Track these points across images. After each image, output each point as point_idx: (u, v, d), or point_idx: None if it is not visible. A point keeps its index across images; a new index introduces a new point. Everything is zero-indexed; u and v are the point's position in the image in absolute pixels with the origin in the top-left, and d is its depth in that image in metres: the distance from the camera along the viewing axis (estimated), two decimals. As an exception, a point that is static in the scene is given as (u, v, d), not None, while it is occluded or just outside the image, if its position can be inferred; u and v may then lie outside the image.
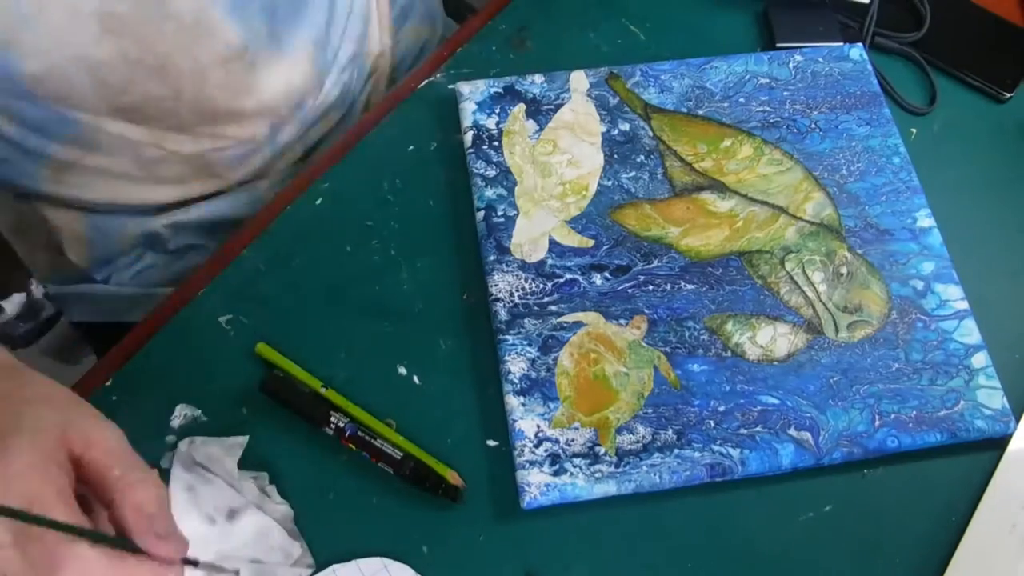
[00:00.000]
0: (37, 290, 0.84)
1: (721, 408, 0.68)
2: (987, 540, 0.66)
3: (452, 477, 0.66)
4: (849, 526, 0.67)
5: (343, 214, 0.77)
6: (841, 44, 0.86)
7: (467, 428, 0.69)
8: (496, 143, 0.78)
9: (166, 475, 0.66)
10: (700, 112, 0.81)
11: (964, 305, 0.73)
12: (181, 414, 0.69)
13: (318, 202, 0.77)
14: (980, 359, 0.71)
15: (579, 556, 0.66)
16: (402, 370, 0.71)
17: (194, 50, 0.72)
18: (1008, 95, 0.85)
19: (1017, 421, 0.70)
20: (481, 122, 0.79)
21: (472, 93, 0.81)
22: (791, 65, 0.84)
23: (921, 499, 0.68)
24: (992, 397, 0.70)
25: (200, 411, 0.69)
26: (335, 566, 0.64)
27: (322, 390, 0.69)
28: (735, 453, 0.67)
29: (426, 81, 0.84)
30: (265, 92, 0.79)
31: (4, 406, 0.51)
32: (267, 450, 0.68)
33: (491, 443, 0.69)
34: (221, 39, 0.73)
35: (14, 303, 0.83)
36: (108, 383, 0.70)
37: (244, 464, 0.67)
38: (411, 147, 0.81)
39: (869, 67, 0.84)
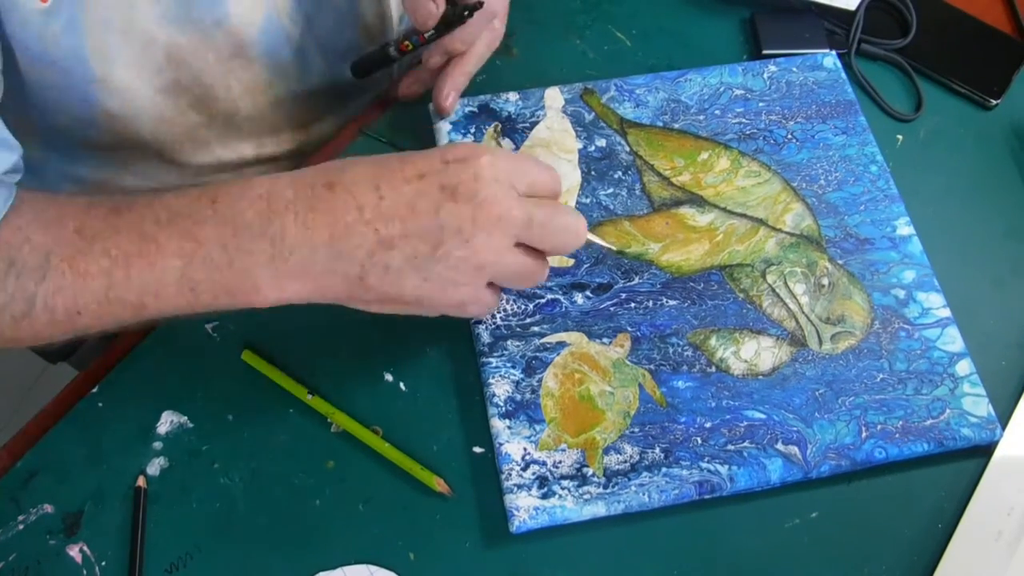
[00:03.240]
0: None
1: (708, 424, 0.68)
2: (973, 547, 0.66)
3: (438, 484, 0.66)
4: (835, 534, 0.67)
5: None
6: (815, 52, 0.86)
7: (453, 435, 0.69)
8: None
9: (152, 481, 0.67)
10: (676, 126, 0.81)
11: (946, 313, 0.73)
12: (167, 421, 0.69)
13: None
14: (964, 367, 0.71)
15: (565, 561, 0.66)
16: (388, 377, 0.71)
17: (228, 79, 0.78)
18: (995, 101, 0.86)
19: (1003, 428, 0.70)
20: (457, 141, 0.79)
21: None
22: (765, 76, 0.84)
23: (907, 506, 0.68)
24: (977, 405, 0.70)
25: (186, 418, 0.69)
26: (322, 574, 0.64)
27: (308, 397, 0.69)
28: (723, 470, 0.67)
29: (412, 88, 0.84)
30: (287, 122, 0.88)
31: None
32: (252, 455, 0.68)
33: (477, 450, 0.69)
34: (252, 71, 0.80)
35: None
36: (95, 390, 0.70)
37: (227, 467, 0.68)
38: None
39: (843, 75, 0.85)
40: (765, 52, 0.87)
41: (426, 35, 0.74)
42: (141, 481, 0.67)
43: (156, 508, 0.66)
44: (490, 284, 0.62)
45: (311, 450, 0.68)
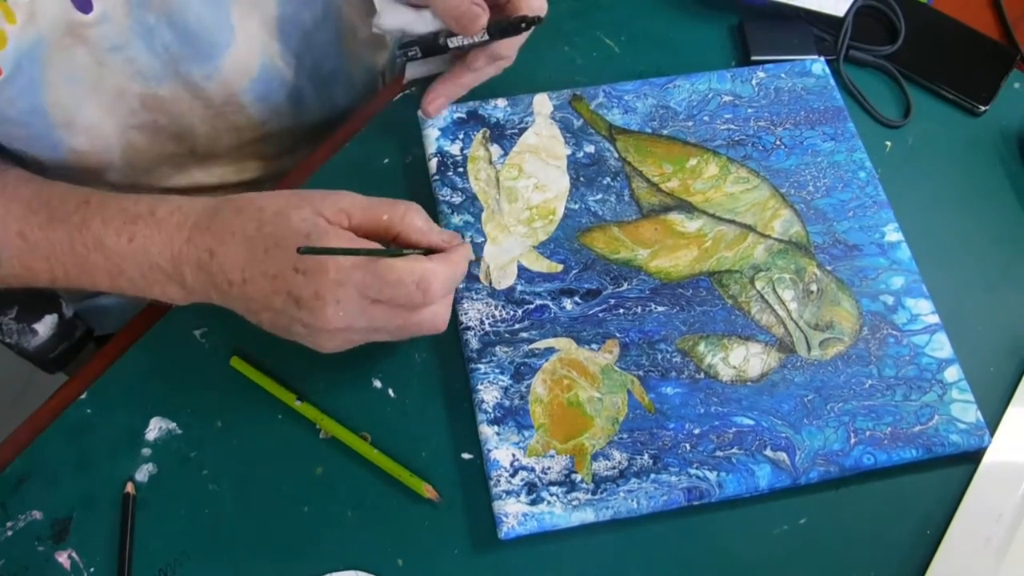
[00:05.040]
0: (68, 310, 0.83)
1: (696, 431, 0.68)
2: (962, 553, 0.67)
3: (427, 490, 0.66)
4: (824, 540, 0.67)
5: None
6: (804, 59, 0.86)
7: (442, 441, 0.69)
8: (461, 169, 0.78)
9: (140, 487, 0.66)
10: (665, 132, 0.81)
11: (935, 319, 0.73)
12: (156, 427, 0.69)
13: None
14: (953, 373, 0.71)
15: (553, 568, 0.66)
16: (377, 383, 0.71)
17: (215, 122, 0.80)
18: (983, 108, 0.86)
19: (992, 434, 0.70)
20: (445, 148, 0.79)
21: (435, 119, 0.80)
22: (754, 82, 0.84)
23: (896, 513, 0.68)
24: (966, 411, 0.70)
25: (175, 424, 0.69)
26: (310, 581, 0.64)
27: (296, 403, 0.69)
28: (712, 476, 0.66)
29: (402, 93, 0.84)
30: (271, 149, 0.90)
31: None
32: (241, 462, 0.68)
33: (466, 456, 0.69)
34: (244, 115, 0.82)
35: (47, 324, 0.82)
36: (83, 396, 0.70)
37: (216, 474, 0.68)
38: (386, 160, 0.81)
39: (832, 81, 0.85)
40: (754, 58, 0.87)
41: (477, 38, 0.73)
42: (130, 487, 0.67)
43: (145, 514, 0.66)
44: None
45: (300, 456, 0.68)
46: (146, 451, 0.68)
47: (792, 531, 0.67)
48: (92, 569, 0.64)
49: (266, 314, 0.64)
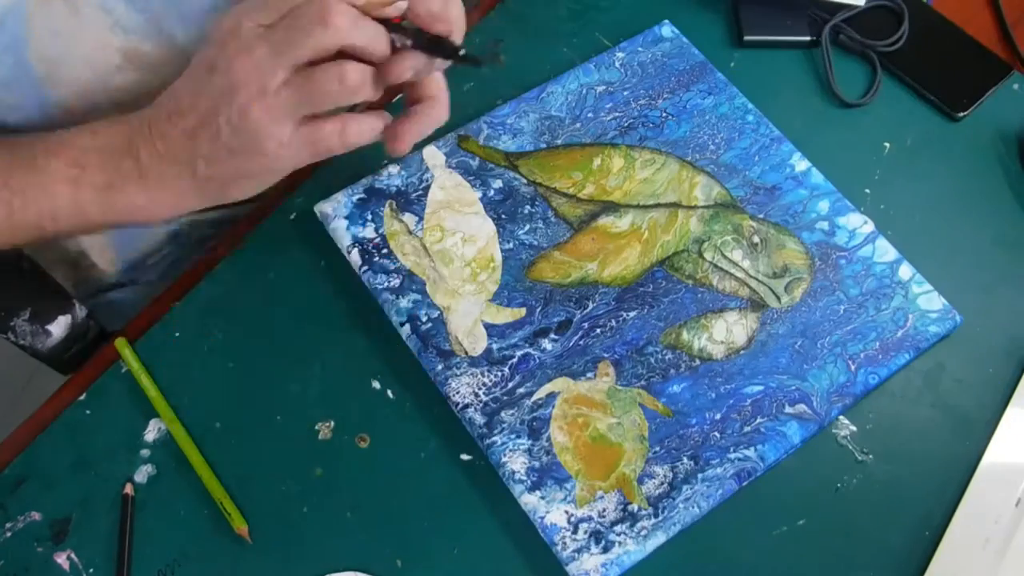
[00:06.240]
0: (81, 310, 0.83)
1: (717, 416, 0.69)
2: (961, 555, 0.66)
3: (239, 528, 0.66)
4: (823, 540, 0.67)
5: (317, 228, 0.77)
6: (655, 27, 0.87)
7: (440, 442, 0.69)
8: (385, 250, 0.75)
9: (139, 488, 0.67)
10: (559, 142, 0.80)
11: (870, 228, 0.76)
12: (155, 428, 0.69)
13: (292, 216, 0.77)
14: (905, 271, 0.75)
15: (549, 570, 0.65)
16: (376, 384, 0.71)
17: None
18: (961, 115, 0.85)
19: (986, 432, 0.70)
20: (359, 235, 0.75)
21: (336, 209, 0.76)
22: (618, 64, 0.84)
23: (895, 513, 0.68)
24: (931, 300, 0.73)
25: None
26: (309, 581, 0.64)
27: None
28: (751, 452, 0.67)
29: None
30: None
31: None
32: (241, 462, 0.68)
33: (465, 457, 0.69)
34: None
35: (61, 325, 0.82)
36: (82, 397, 0.71)
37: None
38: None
39: (684, 40, 0.86)
40: (746, 38, 0.87)
41: (406, 27, 0.59)
42: (128, 488, 0.67)
43: (144, 515, 0.66)
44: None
45: (299, 458, 0.69)
46: (145, 452, 0.69)
47: (792, 532, 0.67)
48: (91, 570, 0.65)
49: (204, 135, 0.59)
